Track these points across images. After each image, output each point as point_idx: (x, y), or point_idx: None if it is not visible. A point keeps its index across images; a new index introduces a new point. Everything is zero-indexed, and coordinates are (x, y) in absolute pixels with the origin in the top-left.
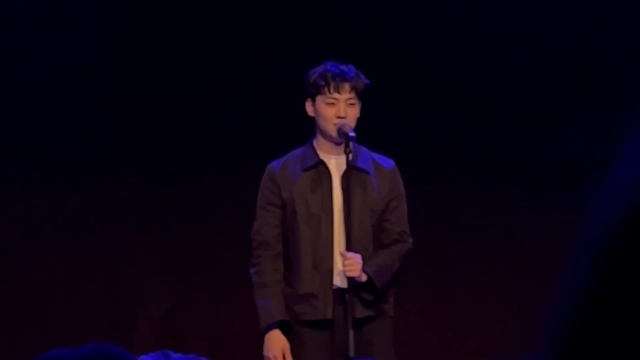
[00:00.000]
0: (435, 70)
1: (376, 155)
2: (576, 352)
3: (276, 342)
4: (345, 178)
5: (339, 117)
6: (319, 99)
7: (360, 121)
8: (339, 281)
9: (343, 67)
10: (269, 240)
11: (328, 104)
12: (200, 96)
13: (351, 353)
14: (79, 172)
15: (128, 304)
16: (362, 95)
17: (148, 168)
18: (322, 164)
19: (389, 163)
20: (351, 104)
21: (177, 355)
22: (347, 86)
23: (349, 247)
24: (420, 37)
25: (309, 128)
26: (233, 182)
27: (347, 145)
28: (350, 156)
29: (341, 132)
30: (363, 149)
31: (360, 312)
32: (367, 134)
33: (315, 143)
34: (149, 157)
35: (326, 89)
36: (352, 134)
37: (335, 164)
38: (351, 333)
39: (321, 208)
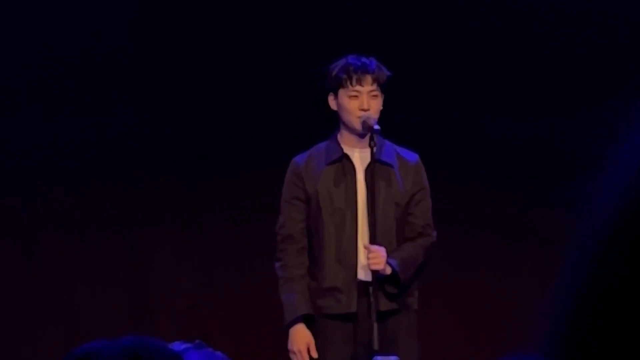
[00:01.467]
0: (454, 66)
1: (400, 149)
2: (576, 347)
3: (301, 336)
4: (370, 171)
5: (362, 110)
6: (341, 92)
7: (383, 115)
8: (363, 275)
9: (364, 59)
10: (293, 235)
11: (351, 96)
12: (223, 92)
13: (375, 346)
14: (103, 168)
15: (151, 298)
16: (385, 88)
17: (171, 163)
18: (346, 157)
19: (413, 157)
20: (374, 96)
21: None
22: (369, 78)
23: (373, 240)
24: (439, 33)
25: (332, 123)
26: (255, 177)
27: (371, 139)
28: (375, 149)
29: (366, 126)
30: (387, 142)
31: (384, 305)
32: (390, 128)
33: (339, 137)
34: (171, 153)
35: (348, 82)
36: (376, 127)
37: (359, 157)
38: (375, 326)
39: (345, 202)
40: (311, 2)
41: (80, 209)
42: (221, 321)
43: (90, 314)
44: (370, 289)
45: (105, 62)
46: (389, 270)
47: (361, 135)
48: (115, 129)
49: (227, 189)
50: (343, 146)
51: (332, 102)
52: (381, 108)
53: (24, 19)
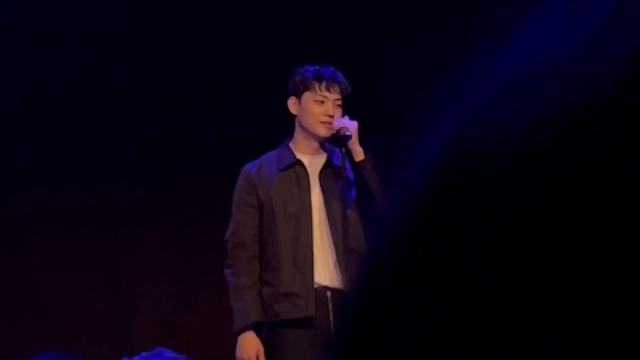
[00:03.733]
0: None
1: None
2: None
3: (250, 344)
4: (324, 175)
5: (327, 115)
6: (307, 95)
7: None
8: (319, 279)
9: (331, 68)
10: (245, 242)
11: (317, 101)
12: (206, 96)
13: None
14: (82, 170)
15: (129, 303)
16: (344, 102)
17: (151, 168)
18: (299, 163)
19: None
20: (338, 105)
21: (170, 354)
22: (337, 87)
23: (338, 244)
24: (440, 33)
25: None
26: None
27: (343, 144)
28: (327, 155)
29: (339, 134)
30: (335, 149)
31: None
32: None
33: (291, 144)
34: (152, 157)
35: (317, 86)
36: (347, 133)
37: (311, 163)
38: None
39: (300, 207)
40: (311, 2)
41: (59, 212)
42: (199, 327)
43: (67, 319)
44: (329, 293)
45: (92, 59)
46: (355, 138)
47: (320, 140)
48: (95, 131)
49: (208, 194)
50: (295, 152)
51: (292, 106)
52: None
53: (23, 18)
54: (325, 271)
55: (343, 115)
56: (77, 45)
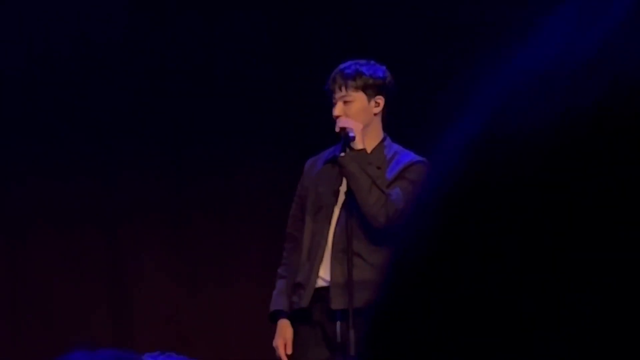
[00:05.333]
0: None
1: (404, 152)
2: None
3: (280, 333)
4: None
5: (335, 117)
6: None
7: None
8: (325, 274)
9: (346, 65)
10: (291, 233)
11: (332, 105)
12: (210, 92)
13: (338, 339)
14: (83, 169)
15: (131, 302)
16: (374, 91)
17: (155, 166)
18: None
19: (408, 157)
20: (346, 102)
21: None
22: (336, 85)
23: (350, 241)
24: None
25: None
26: (240, 182)
27: (346, 144)
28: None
29: (343, 133)
30: (395, 146)
31: (337, 304)
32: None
33: None
34: (156, 156)
35: (329, 91)
36: (351, 134)
37: None
38: (338, 325)
39: (327, 200)
40: (312, 2)
41: (62, 210)
42: (202, 327)
43: (70, 318)
44: (331, 289)
45: (92, 58)
46: (359, 141)
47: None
48: (97, 129)
49: (214, 193)
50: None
51: None
52: (375, 111)
53: (20, 17)
54: (332, 266)
55: (388, 106)
56: (76, 43)
